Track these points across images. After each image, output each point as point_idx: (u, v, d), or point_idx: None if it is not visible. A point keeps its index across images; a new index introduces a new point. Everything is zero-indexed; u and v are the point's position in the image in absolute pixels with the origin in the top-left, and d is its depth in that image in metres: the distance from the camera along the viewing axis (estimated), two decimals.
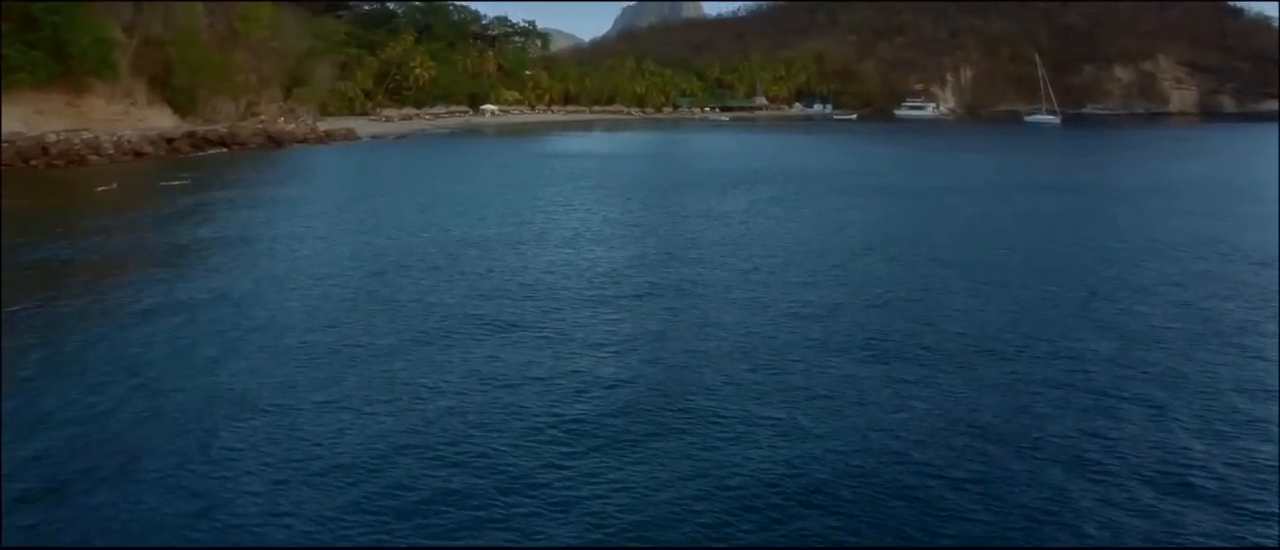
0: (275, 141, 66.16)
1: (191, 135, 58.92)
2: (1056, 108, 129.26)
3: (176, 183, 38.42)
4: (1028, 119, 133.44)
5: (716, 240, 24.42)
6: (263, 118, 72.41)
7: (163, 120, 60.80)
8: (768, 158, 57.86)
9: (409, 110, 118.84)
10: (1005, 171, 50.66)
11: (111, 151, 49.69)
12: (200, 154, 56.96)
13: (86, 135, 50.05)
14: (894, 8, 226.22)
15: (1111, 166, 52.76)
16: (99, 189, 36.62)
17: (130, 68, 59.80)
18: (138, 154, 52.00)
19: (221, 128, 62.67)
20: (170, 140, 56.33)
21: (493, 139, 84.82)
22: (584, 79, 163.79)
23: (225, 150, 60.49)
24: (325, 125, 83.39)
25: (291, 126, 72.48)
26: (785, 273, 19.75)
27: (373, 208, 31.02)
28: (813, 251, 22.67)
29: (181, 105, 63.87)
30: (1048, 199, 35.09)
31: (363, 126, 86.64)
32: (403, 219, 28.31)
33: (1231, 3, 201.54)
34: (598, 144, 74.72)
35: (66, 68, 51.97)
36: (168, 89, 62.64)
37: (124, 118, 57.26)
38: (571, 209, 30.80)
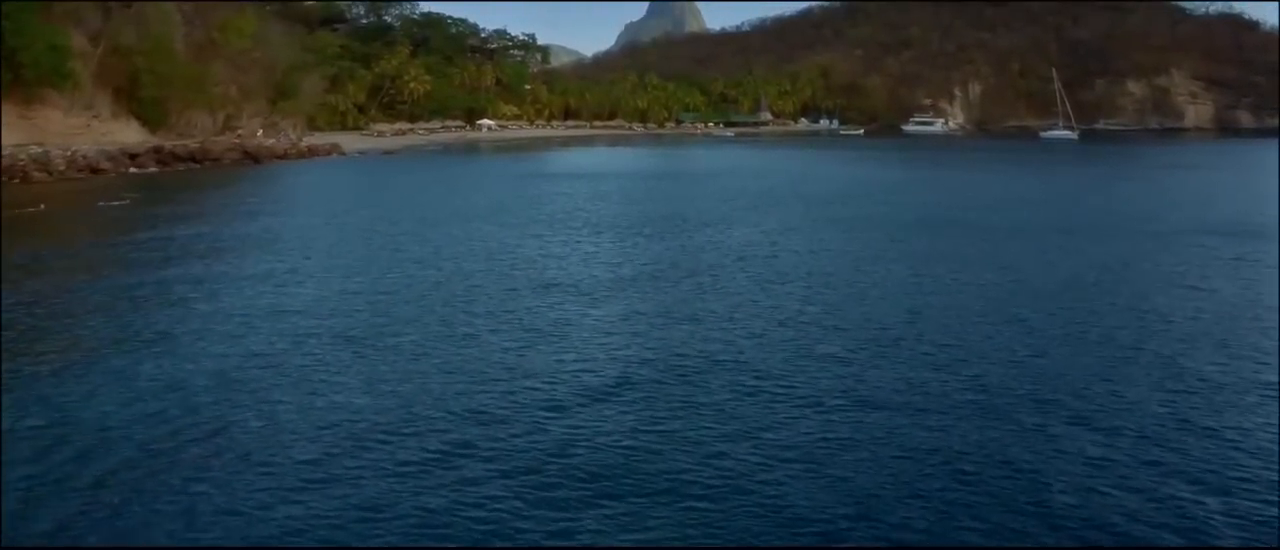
0: (252, 157, 62.01)
1: (158, 150, 54.70)
2: (1073, 123, 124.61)
3: (117, 203, 34.11)
4: (1043, 135, 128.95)
5: (734, 299, 17.68)
6: (241, 132, 68.22)
7: (128, 134, 56.62)
8: (779, 177, 52.56)
9: (402, 125, 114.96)
10: (1065, 197, 41.09)
11: (62, 167, 45.41)
12: (165, 171, 52.80)
13: (35, 150, 45.83)
14: (901, 22, 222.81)
15: (1179, 192, 44.34)
16: (27, 210, 32.31)
17: (94, 78, 55.68)
18: (94, 170, 47.76)
19: (192, 143, 58.45)
20: (133, 156, 52.13)
21: (486, 156, 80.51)
22: (585, 93, 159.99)
23: (196, 167, 56.44)
24: (312, 140, 79.49)
25: (271, 142, 68.34)
26: (828, 366, 13.58)
27: (313, 243, 25.72)
28: (869, 329, 15.19)
29: (150, 118, 59.72)
30: (1162, 243, 25.70)
31: (350, 142, 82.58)
32: (346, 257, 23.13)
33: None
34: (595, 162, 69.97)
35: (16, 76, 47.77)
36: (134, 101, 58.45)
37: (84, 132, 53.11)
38: (554, 256, 23.08)
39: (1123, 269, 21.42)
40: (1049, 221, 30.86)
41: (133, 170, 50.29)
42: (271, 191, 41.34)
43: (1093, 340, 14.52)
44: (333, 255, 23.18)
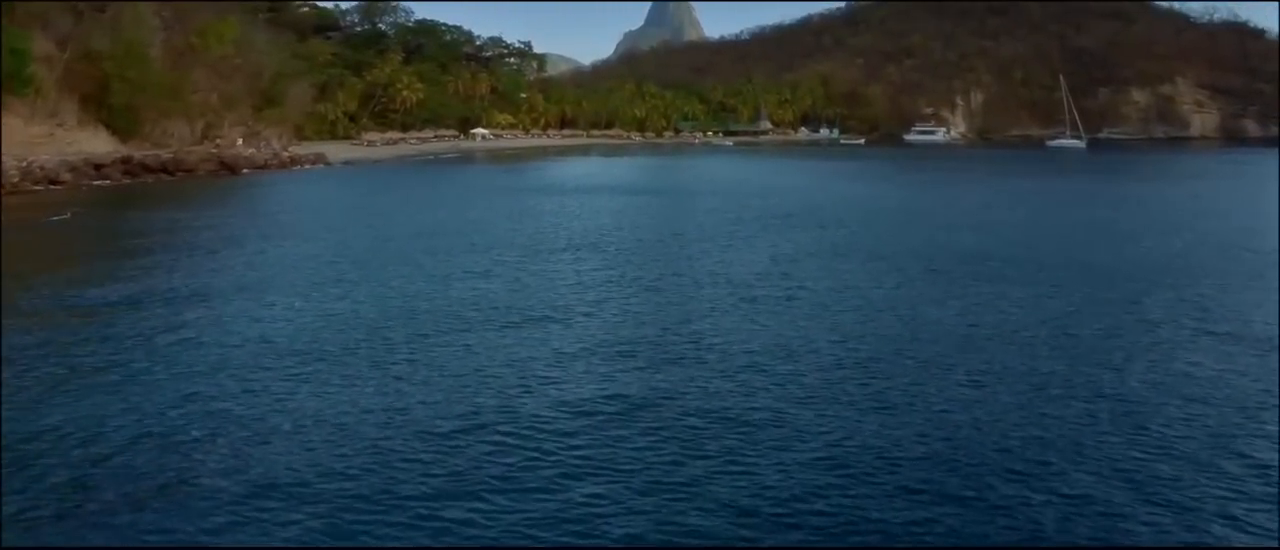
0: (229, 168, 59.13)
1: (126, 161, 51.77)
2: (1082, 132, 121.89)
3: (57, 218, 31.17)
4: (1050, 144, 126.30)
5: (743, 344, 14.67)
6: (220, 142, 65.33)
7: (97, 144, 53.71)
8: (786, 191, 48.86)
9: (394, 134, 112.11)
10: (1122, 222, 34.13)
11: (16, 178, 42.44)
12: (133, 183, 49.88)
13: None
14: (902, 30, 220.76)
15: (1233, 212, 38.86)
16: None
17: (60, 84, 52.83)
18: (53, 182, 44.85)
19: (164, 153, 55.56)
20: (99, 166, 49.17)
21: (475, 167, 77.60)
22: (581, 102, 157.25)
23: (168, 178, 53.53)
24: (298, 149, 76.66)
25: (251, 151, 65.47)
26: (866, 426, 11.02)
27: (266, 267, 22.94)
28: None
29: (121, 127, 56.81)
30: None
31: (337, 151, 79.59)
32: (265, 297, 19.04)
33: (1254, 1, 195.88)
34: (588, 174, 66.71)
35: None
36: (104, 109, 55.57)
37: (47, 141, 50.18)
38: (522, 290, 19.41)
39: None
40: (1127, 259, 24.17)
41: (96, 183, 47.32)
42: (231, 206, 38.21)
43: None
44: (250, 293, 19.10)
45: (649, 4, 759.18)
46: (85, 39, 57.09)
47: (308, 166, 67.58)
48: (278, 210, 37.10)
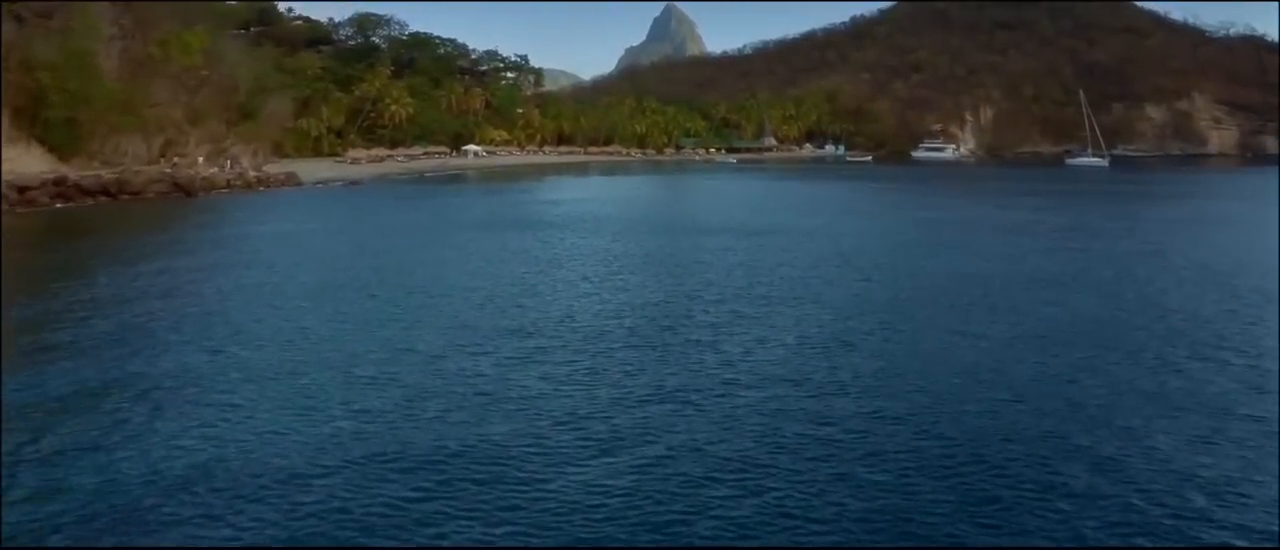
0: (183, 190, 53.57)
1: (59, 183, 46.16)
2: (1104, 149, 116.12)
3: None
4: (1070, 162, 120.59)
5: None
6: (176, 161, 59.76)
7: (28, 162, 48.06)
8: (804, 221, 41.68)
9: (381, 151, 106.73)
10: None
11: None
12: (66, 208, 44.27)
13: None
14: (908, 45, 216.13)
15: None
16: None
17: None
18: None
19: (107, 173, 49.95)
20: (23, 189, 43.52)
21: (457, 188, 71.94)
22: (579, 117, 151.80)
23: (110, 201, 47.94)
24: (273, 168, 71.21)
25: (212, 171, 59.90)
26: None
27: (159, 334, 17.34)
28: None
29: (60, 144, 51.22)
30: None
31: (312, 170, 74.12)
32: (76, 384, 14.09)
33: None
34: (582, 198, 60.14)
35: None
36: (39, 124, 50.04)
37: None
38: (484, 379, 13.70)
39: None
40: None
41: (19, 211, 41.62)
42: (140, 245, 32.12)
43: None
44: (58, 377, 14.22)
45: (650, 19, 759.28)
46: (25, 47, 51.72)
47: (276, 188, 62.00)
48: (205, 249, 31.27)
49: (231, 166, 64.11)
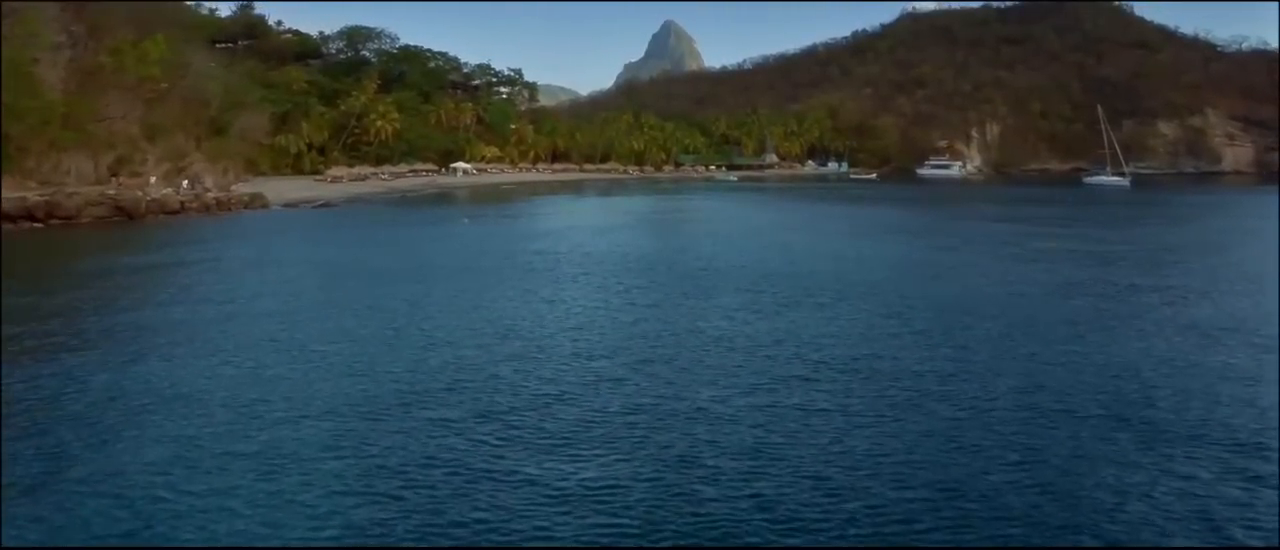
0: (126, 213, 48.12)
1: None
2: (1124, 167, 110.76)
3: None
4: (1088, 180, 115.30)
5: None
6: (122, 181, 54.35)
7: None
8: (825, 253, 34.61)
9: (364, 168, 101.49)
10: None
11: None
12: None
13: None
14: (912, 60, 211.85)
15: None
16: None
17: None
18: None
19: (33, 196, 44.48)
20: None
21: (441, 211, 66.45)
22: (575, 133, 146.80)
23: (36, 227, 42.52)
24: (241, 187, 65.89)
25: (165, 191, 54.50)
26: None
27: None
28: None
29: None
30: None
31: (282, 190, 68.80)
32: None
33: None
34: (570, 227, 54.01)
35: None
36: None
37: None
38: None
39: None
40: None
41: None
42: (52, 284, 26.63)
43: None
44: None
45: (649, 35, 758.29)
46: None
47: (237, 210, 56.60)
48: (122, 293, 25.61)
49: (189, 186, 58.76)
